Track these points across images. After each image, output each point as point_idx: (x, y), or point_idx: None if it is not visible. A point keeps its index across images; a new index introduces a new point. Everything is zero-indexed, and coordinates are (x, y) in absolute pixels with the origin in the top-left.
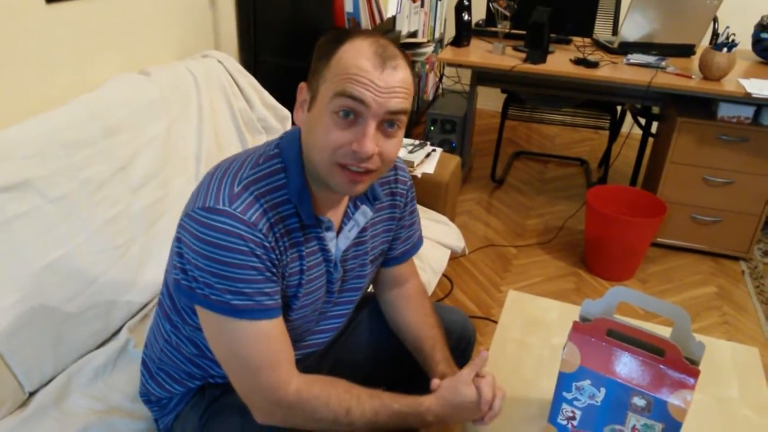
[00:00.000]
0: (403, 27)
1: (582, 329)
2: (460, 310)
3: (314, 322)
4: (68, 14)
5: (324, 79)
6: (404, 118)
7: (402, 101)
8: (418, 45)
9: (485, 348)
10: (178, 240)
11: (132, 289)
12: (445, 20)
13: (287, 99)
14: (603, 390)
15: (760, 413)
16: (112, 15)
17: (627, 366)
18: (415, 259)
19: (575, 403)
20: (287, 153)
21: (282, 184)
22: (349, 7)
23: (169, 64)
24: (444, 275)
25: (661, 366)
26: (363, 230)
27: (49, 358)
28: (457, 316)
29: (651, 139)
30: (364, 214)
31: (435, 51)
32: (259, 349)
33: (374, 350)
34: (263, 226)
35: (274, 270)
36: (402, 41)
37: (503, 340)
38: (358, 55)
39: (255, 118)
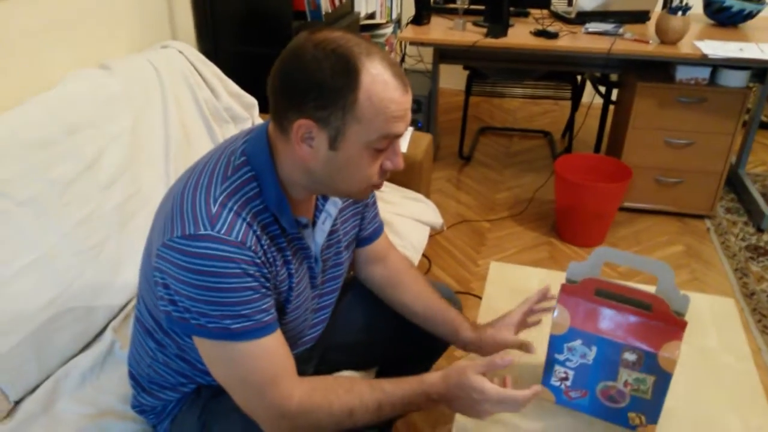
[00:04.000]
0: (362, 8)
1: (570, 291)
2: (444, 285)
3: (305, 319)
4: (18, 10)
5: (356, 119)
6: None
7: None
8: (377, 26)
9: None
10: (159, 271)
11: (110, 290)
12: (401, 0)
13: (251, 86)
14: (594, 348)
15: (740, 359)
16: (64, 9)
17: (616, 323)
18: (396, 238)
19: (567, 363)
20: (256, 161)
21: (256, 193)
22: None
23: (128, 57)
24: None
25: (650, 320)
26: (333, 219)
27: (32, 365)
28: (441, 290)
29: (611, 107)
30: (335, 204)
31: (394, 32)
32: (261, 367)
33: (364, 332)
34: (251, 242)
35: (268, 284)
36: (361, 23)
37: (489, 310)
38: (386, 88)
39: (221, 107)
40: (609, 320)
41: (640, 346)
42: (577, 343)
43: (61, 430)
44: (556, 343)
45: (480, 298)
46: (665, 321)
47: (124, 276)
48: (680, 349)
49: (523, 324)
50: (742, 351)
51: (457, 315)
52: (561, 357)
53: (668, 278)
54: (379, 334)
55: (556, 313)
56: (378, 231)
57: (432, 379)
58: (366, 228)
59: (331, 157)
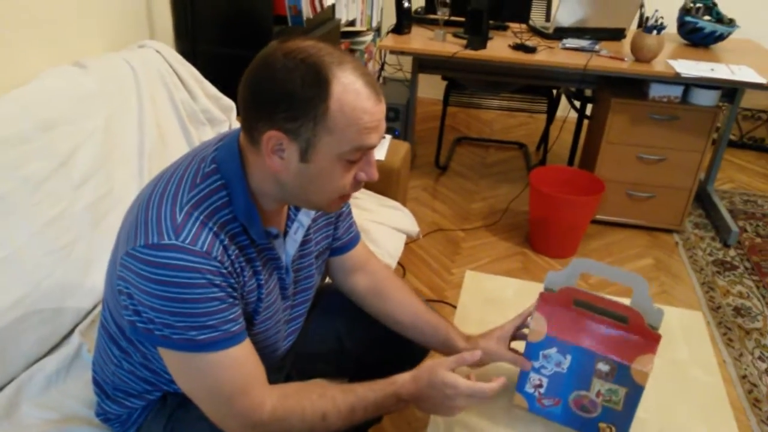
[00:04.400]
0: (342, 15)
1: (549, 299)
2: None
3: (278, 330)
4: None
5: (328, 130)
6: None
7: None
8: (358, 34)
9: None
10: (122, 280)
11: (79, 291)
12: (382, 9)
13: (230, 89)
14: (569, 357)
15: (708, 373)
16: (41, 6)
17: (592, 333)
18: (372, 245)
19: (542, 371)
20: (227, 169)
21: (225, 202)
22: None
23: (105, 56)
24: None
25: (625, 332)
26: (305, 229)
27: None
28: None
29: (586, 121)
30: (307, 214)
31: (374, 40)
32: (230, 377)
33: (336, 341)
34: (217, 253)
35: (235, 294)
36: (341, 30)
37: (464, 319)
38: (358, 98)
39: (198, 109)
40: (585, 330)
41: (613, 358)
42: (553, 351)
43: None
44: (532, 350)
45: (454, 306)
46: (640, 334)
47: (93, 278)
48: (653, 363)
49: (514, 338)
50: (710, 364)
51: (447, 325)
52: (537, 364)
53: (643, 291)
54: (352, 342)
55: (533, 320)
56: (355, 239)
57: (402, 380)
58: (341, 237)
59: (302, 170)
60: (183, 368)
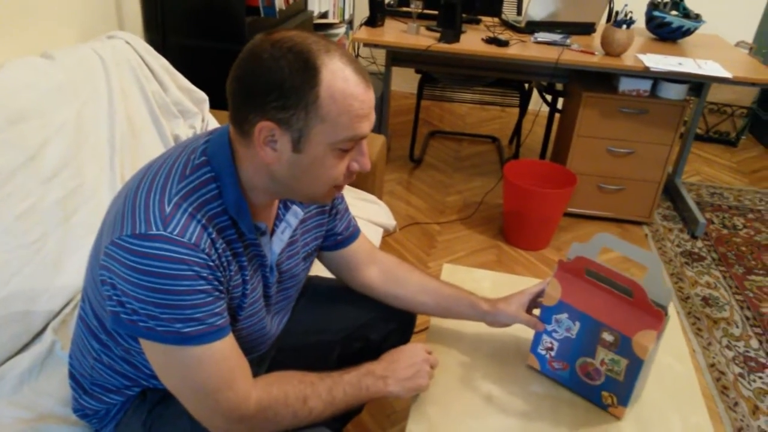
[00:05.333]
0: (315, 7)
1: (565, 267)
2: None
3: (259, 327)
4: None
5: (319, 119)
6: None
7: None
8: (330, 26)
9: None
10: (106, 270)
11: (50, 288)
12: (354, 1)
13: (202, 81)
14: (578, 324)
15: (679, 360)
16: None
17: (600, 303)
18: None
19: (554, 334)
20: (217, 162)
21: (215, 195)
22: None
23: (73, 47)
24: None
25: (631, 306)
26: (293, 230)
27: None
28: None
29: (557, 115)
30: (295, 215)
31: (346, 32)
32: (215, 371)
33: (316, 334)
34: (205, 245)
35: (222, 288)
36: (314, 22)
37: None
38: (348, 85)
39: (170, 101)
40: (594, 299)
41: (616, 329)
42: (564, 316)
43: None
44: (546, 313)
45: None
46: (643, 309)
47: (65, 274)
48: (657, 338)
49: (533, 303)
50: (681, 352)
51: (467, 293)
52: (549, 327)
53: (657, 269)
54: (332, 335)
55: (548, 285)
56: (356, 233)
57: (375, 363)
58: (341, 233)
59: (294, 160)
60: (167, 362)
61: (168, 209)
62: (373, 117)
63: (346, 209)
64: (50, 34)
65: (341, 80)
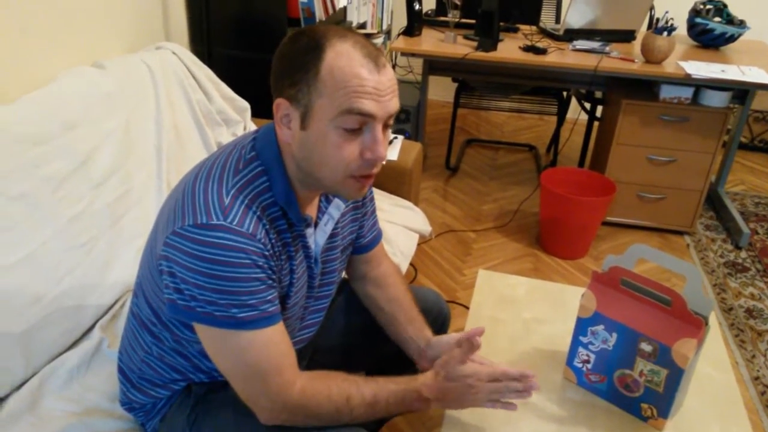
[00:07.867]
0: (353, 18)
1: (600, 278)
2: (434, 290)
3: (299, 319)
4: (12, 9)
5: (319, 93)
6: None
7: (397, 100)
8: (368, 36)
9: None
10: (165, 259)
11: (99, 287)
12: (392, 12)
13: (244, 91)
14: (615, 335)
15: (720, 370)
16: (59, 7)
17: (636, 313)
18: (386, 244)
19: (590, 347)
20: (266, 155)
21: (266, 188)
22: None
23: (122, 57)
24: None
25: (669, 315)
26: (335, 222)
27: (18, 361)
28: (431, 296)
29: (596, 123)
30: (338, 207)
31: (384, 42)
32: (266, 356)
33: (353, 335)
34: (261, 235)
35: (274, 276)
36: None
37: (477, 318)
38: (351, 63)
39: (214, 110)
40: (631, 310)
41: (655, 339)
42: (600, 327)
43: (46, 428)
44: (581, 326)
45: (466, 307)
46: (682, 318)
47: (113, 274)
48: (697, 347)
49: (448, 348)
50: (722, 363)
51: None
52: (585, 340)
53: (696, 280)
54: (369, 337)
55: (583, 297)
56: (377, 239)
57: (424, 377)
58: (366, 236)
59: (304, 138)
60: (222, 346)
61: (227, 201)
62: (382, 98)
63: (374, 211)
64: (102, 45)
65: (344, 59)
